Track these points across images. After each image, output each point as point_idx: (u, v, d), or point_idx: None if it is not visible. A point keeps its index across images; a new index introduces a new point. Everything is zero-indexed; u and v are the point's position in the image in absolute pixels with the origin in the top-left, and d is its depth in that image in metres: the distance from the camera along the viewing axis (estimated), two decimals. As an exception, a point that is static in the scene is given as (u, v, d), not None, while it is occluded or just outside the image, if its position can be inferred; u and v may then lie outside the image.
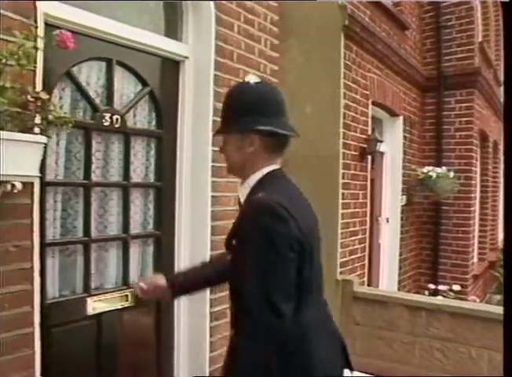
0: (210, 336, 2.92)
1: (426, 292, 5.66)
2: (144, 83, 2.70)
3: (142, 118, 2.75)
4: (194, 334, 2.94)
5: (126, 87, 2.65)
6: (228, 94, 1.64)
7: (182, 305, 2.92)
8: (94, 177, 2.48)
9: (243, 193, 1.60)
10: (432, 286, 5.90)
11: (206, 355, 2.91)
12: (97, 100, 2.48)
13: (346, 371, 1.64)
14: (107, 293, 2.55)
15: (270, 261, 1.36)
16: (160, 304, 2.82)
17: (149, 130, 2.79)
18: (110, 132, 2.55)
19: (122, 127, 2.57)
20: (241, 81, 1.70)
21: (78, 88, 2.40)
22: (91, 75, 2.47)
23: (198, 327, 2.92)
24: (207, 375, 2.92)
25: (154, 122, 2.81)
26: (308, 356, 1.47)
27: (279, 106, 1.59)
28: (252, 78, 1.60)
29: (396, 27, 5.42)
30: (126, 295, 2.62)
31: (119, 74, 2.60)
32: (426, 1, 6.33)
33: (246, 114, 1.53)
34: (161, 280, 1.95)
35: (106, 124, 2.49)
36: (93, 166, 2.47)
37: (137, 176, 2.72)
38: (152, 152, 2.80)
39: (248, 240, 1.40)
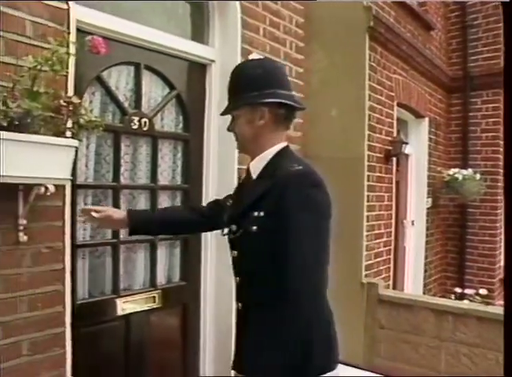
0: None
1: (452, 296, 5.56)
2: (172, 87, 2.74)
3: (169, 121, 2.78)
4: (220, 335, 2.96)
5: (153, 91, 2.69)
6: (234, 72, 1.67)
7: (208, 306, 2.95)
8: (123, 180, 2.53)
9: (256, 167, 1.65)
10: (458, 290, 5.81)
11: (231, 355, 2.92)
12: (126, 104, 2.53)
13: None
14: (135, 294, 2.59)
15: (317, 226, 1.50)
16: (187, 305, 2.85)
17: (176, 133, 2.82)
18: (138, 135, 2.59)
19: (149, 130, 2.61)
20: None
21: (108, 92, 2.44)
22: (120, 80, 2.52)
23: (224, 327, 2.93)
24: (233, 375, 2.93)
25: (181, 125, 2.84)
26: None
27: (283, 79, 1.65)
28: (255, 55, 1.69)
29: (421, 28, 5.36)
30: (154, 297, 2.66)
31: (147, 78, 2.64)
32: (452, 0, 6.24)
33: (253, 88, 1.58)
34: (117, 213, 1.95)
35: (134, 127, 2.53)
36: (122, 169, 2.51)
37: (164, 178, 2.75)
38: (179, 155, 2.84)
39: (296, 209, 1.47)
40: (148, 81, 2.65)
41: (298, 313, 1.45)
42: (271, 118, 1.60)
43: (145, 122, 2.58)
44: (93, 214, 1.89)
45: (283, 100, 1.59)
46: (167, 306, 2.70)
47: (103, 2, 2.36)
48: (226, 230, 1.69)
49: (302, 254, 1.47)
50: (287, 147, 1.65)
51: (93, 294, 2.45)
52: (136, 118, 2.53)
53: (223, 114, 1.73)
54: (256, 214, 1.55)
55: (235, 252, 1.67)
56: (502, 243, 6.98)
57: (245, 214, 1.59)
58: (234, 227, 1.65)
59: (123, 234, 2.52)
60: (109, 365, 2.48)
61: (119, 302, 2.49)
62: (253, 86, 1.58)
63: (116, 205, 2.47)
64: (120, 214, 1.96)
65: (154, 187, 2.67)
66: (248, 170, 1.71)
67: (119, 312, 2.49)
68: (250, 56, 1.68)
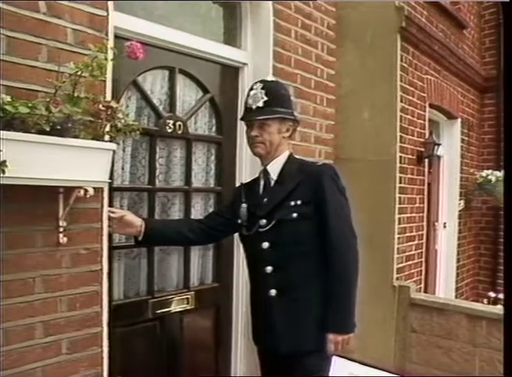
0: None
1: (485, 300, 5.45)
2: (205, 90, 2.77)
3: (203, 124, 2.82)
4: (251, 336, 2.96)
5: (187, 94, 2.72)
6: (266, 87, 2.00)
7: (240, 307, 2.96)
8: (158, 183, 2.56)
9: (275, 169, 2.04)
10: (492, 294, 5.68)
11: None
12: (161, 108, 2.56)
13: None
14: (169, 296, 2.62)
15: (346, 204, 1.98)
16: (220, 307, 2.87)
17: (210, 136, 2.85)
18: (172, 138, 2.63)
19: (184, 133, 2.64)
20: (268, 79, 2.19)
21: (143, 96, 2.48)
22: (155, 84, 2.56)
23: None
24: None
25: (214, 128, 2.87)
26: None
27: (292, 101, 2.16)
28: (271, 78, 2.21)
29: (453, 27, 5.27)
30: (187, 298, 2.69)
31: (181, 81, 2.68)
32: (485, -2, 6.11)
33: (286, 105, 2.03)
34: (134, 217, 2.10)
35: (169, 131, 2.56)
36: (157, 172, 2.55)
37: (197, 181, 2.79)
38: (213, 158, 2.87)
39: (333, 192, 1.93)
40: (182, 85, 2.69)
41: (346, 284, 1.89)
42: (291, 131, 2.08)
43: (180, 126, 2.61)
44: (110, 214, 2.06)
45: (298, 119, 2.12)
46: (200, 308, 2.73)
47: (137, 7, 2.40)
48: (244, 229, 2.05)
49: (345, 229, 1.92)
50: (292, 153, 2.11)
51: (128, 294, 2.49)
52: (170, 122, 2.57)
53: (259, 119, 2.01)
54: (293, 203, 1.93)
55: (266, 243, 1.96)
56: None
57: (280, 206, 1.94)
58: (263, 221, 1.96)
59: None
60: (143, 365, 2.51)
61: (153, 303, 2.52)
62: (286, 103, 2.04)
63: (151, 207, 2.50)
64: (137, 219, 2.11)
65: (188, 189, 2.71)
66: (266, 172, 2.07)
67: (153, 313, 2.52)
68: (268, 78, 2.25)
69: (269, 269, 1.94)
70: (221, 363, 2.94)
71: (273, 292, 1.94)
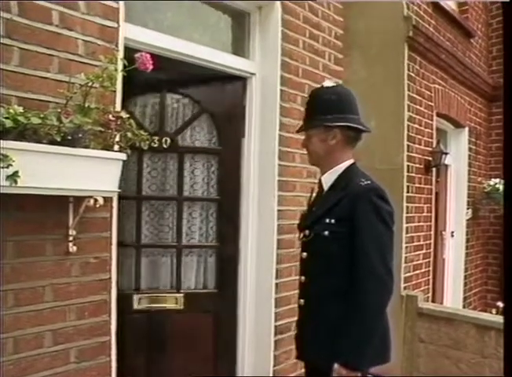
0: (274, 350, 2.93)
1: (494, 310, 5.40)
2: (208, 100, 2.85)
3: (201, 136, 2.88)
4: (258, 348, 2.97)
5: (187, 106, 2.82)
6: (310, 96, 1.96)
7: (248, 318, 2.97)
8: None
9: (328, 179, 1.92)
10: (500, 304, 5.63)
11: (270, 368, 2.93)
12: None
13: None
14: (159, 293, 2.74)
15: (383, 233, 1.77)
16: (218, 313, 2.91)
17: (207, 148, 2.92)
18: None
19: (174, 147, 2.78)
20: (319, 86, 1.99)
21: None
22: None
23: (262, 341, 2.95)
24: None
25: (214, 140, 2.94)
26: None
27: (352, 105, 1.91)
28: (329, 82, 1.93)
29: (461, 36, 5.27)
30: (176, 298, 2.75)
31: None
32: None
33: (328, 112, 1.86)
34: None
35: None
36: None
37: (195, 191, 2.88)
38: (213, 169, 2.92)
39: (367, 217, 1.75)
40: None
41: (363, 310, 1.72)
42: (341, 138, 1.87)
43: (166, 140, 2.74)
44: None
45: (351, 124, 1.86)
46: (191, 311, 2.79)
47: (147, 19, 2.43)
48: (301, 235, 1.98)
49: (369, 256, 1.74)
50: (354, 163, 1.93)
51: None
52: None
53: (298, 131, 2.04)
54: (328, 220, 1.83)
55: (305, 254, 1.94)
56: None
57: (318, 220, 1.87)
58: (307, 232, 1.92)
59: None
60: (150, 373, 2.52)
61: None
62: (328, 109, 1.86)
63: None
64: None
65: (178, 198, 2.82)
66: (320, 182, 1.98)
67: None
68: (325, 84, 1.93)
69: (303, 278, 1.96)
70: (221, 369, 2.92)
71: (302, 301, 1.95)
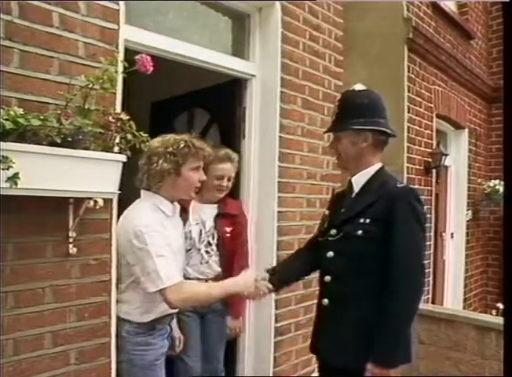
0: (275, 351, 2.93)
1: (494, 311, 5.40)
2: (210, 101, 2.82)
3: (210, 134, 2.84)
4: (258, 349, 2.96)
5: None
6: (341, 99, 1.98)
7: (248, 319, 2.95)
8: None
9: (359, 181, 1.95)
10: (500, 305, 5.63)
11: (270, 370, 2.92)
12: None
13: None
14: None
15: (420, 235, 1.84)
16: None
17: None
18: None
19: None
20: (349, 89, 2.02)
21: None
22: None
23: (262, 343, 2.94)
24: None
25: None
26: None
27: (382, 109, 1.95)
28: (359, 86, 1.96)
29: (461, 37, 5.28)
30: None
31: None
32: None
33: (360, 115, 1.89)
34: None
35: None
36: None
37: None
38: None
39: (405, 219, 1.80)
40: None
41: (399, 311, 1.76)
42: (372, 142, 1.90)
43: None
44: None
45: (382, 128, 1.90)
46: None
47: (148, 20, 2.43)
48: (324, 235, 2.00)
49: (408, 257, 1.78)
50: (383, 167, 1.97)
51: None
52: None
53: (327, 132, 2.07)
54: (362, 220, 1.86)
55: (331, 253, 1.94)
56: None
57: (349, 220, 1.89)
58: (334, 231, 1.94)
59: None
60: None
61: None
62: (360, 113, 1.89)
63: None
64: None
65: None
66: (350, 184, 2.00)
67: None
68: (356, 87, 1.96)
69: (328, 278, 1.95)
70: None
71: (326, 301, 1.95)
